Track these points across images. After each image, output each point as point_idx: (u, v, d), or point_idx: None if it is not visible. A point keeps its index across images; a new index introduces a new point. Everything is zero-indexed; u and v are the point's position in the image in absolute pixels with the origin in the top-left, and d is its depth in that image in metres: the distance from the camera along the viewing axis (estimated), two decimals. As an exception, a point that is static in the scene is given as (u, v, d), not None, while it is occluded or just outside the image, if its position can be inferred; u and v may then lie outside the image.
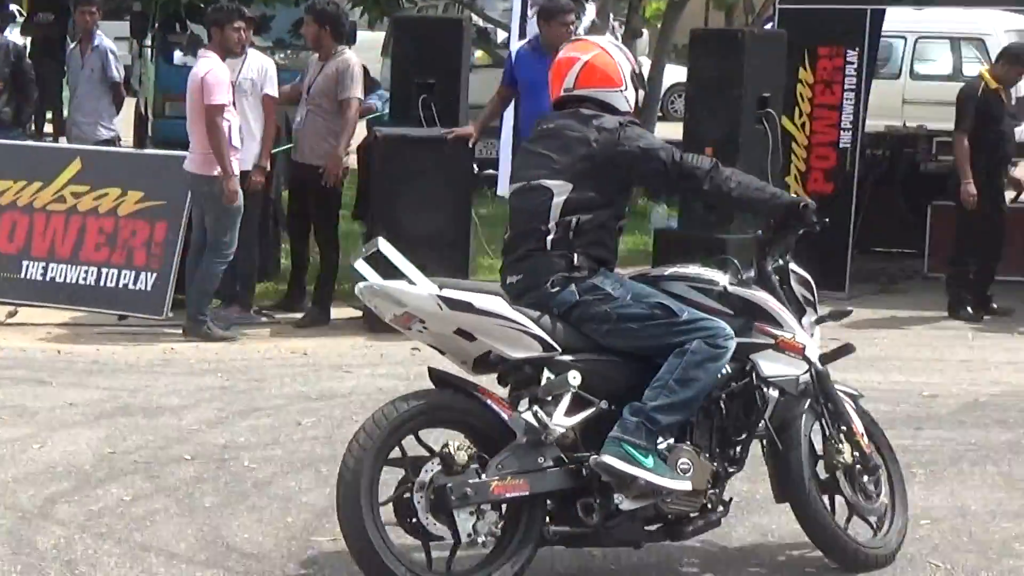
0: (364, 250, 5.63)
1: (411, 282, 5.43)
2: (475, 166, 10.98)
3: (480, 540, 5.37)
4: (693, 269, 5.97)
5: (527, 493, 5.41)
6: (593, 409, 5.53)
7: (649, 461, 5.47)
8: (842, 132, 12.36)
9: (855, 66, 12.26)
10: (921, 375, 9.50)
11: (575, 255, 5.66)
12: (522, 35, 12.41)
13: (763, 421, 5.84)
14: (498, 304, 5.51)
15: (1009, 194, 12.59)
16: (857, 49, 12.25)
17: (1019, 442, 7.84)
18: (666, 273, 5.96)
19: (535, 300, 5.63)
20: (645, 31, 18.56)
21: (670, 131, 19.38)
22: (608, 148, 5.70)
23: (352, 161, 11.33)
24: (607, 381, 5.61)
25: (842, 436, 6.02)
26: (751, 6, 31.19)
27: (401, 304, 5.41)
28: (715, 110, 11.23)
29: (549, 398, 5.47)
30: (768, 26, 14.02)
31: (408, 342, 9.75)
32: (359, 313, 10.58)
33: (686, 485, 5.57)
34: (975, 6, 17.03)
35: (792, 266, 6.11)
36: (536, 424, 5.41)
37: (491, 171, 12.35)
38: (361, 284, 5.51)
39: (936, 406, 8.66)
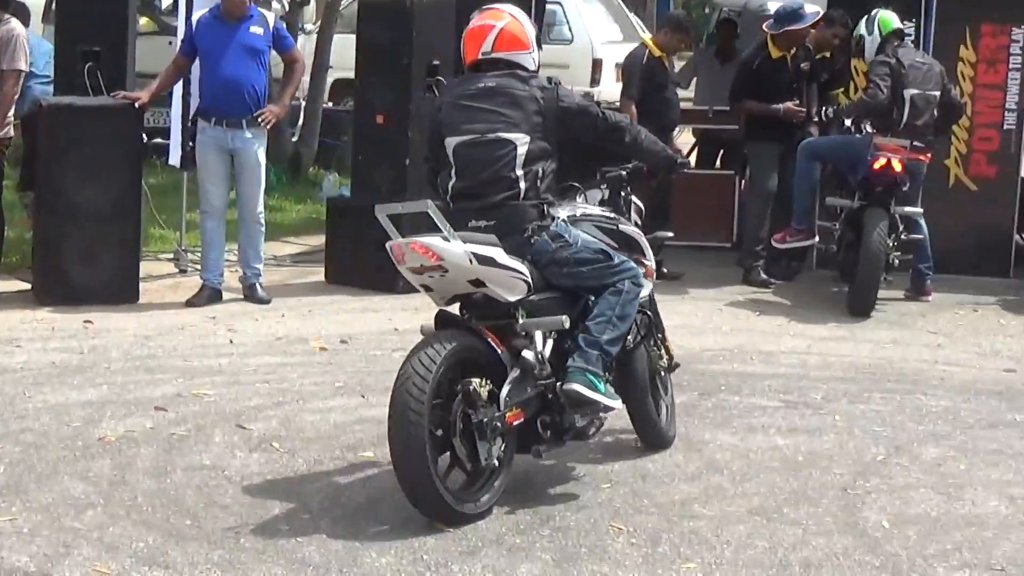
0: (401, 208, 6.31)
1: (445, 239, 6.03)
2: (144, 135, 10.69)
3: (494, 463, 6.13)
4: (596, 210, 6.84)
5: (524, 420, 6.24)
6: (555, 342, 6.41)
7: (603, 387, 6.34)
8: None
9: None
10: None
11: (545, 205, 6.45)
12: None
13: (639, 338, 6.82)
14: (512, 259, 6.23)
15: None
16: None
17: (695, 405, 8.02)
18: (578, 215, 6.71)
19: (512, 245, 6.28)
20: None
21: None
22: (552, 104, 6.49)
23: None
24: (556, 314, 6.38)
25: (661, 343, 7.15)
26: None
27: (436, 256, 6.03)
28: (385, 78, 11.20)
29: (524, 334, 6.30)
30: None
31: (79, 315, 9.56)
32: (27, 286, 10.22)
33: (620, 404, 6.60)
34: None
35: (633, 197, 7.13)
36: (534, 361, 6.23)
37: (160, 140, 12.03)
38: (401, 240, 6.16)
39: (612, 369, 8.81)
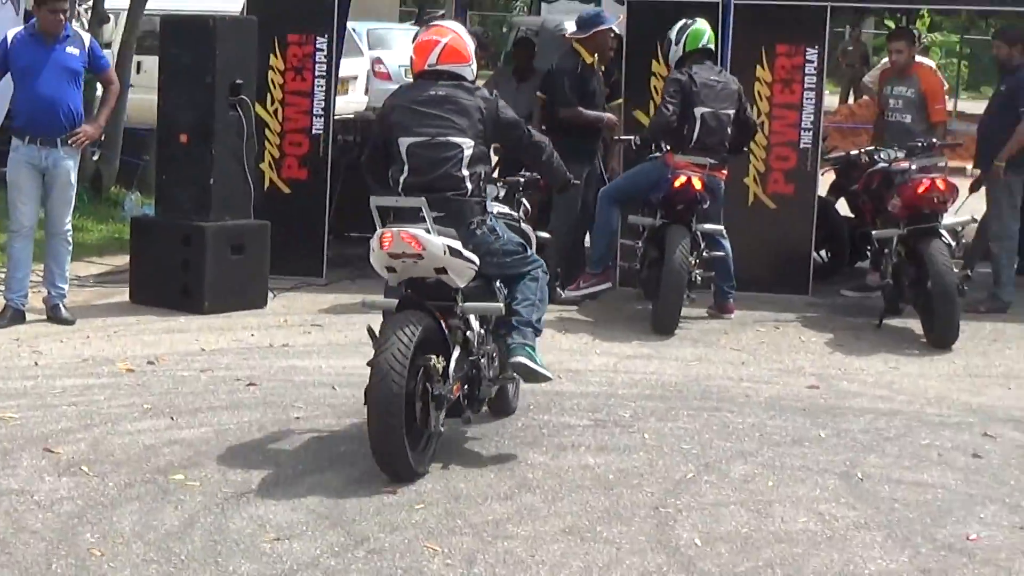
0: (395, 202, 7.28)
1: (428, 231, 7.01)
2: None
3: (440, 429, 7.12)
4: (504, 208, 7.97)
5: (465, 391, 7.33)
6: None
7: (540, 360, 7.54)
8: (314, 118, 12.39)
9: (324, 52, 12.34)
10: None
11: (484, 202, 7.54)
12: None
13: None
14: (468, 251, 7.23)
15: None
16: (326, 36, 12.34)
17: (505, 424, 8.04)
18: (495, 212, 7.74)
19: (460, 235, 7.24)
20: (112, 17, 18.03)
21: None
22: (492, 114, 7.57)
23: None
24: (479, 299, 7.46)
25: None
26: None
27: (421, 246, 6.99)
28: (188, 96, 11.08)
29: (460, 315, 7.32)
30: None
31: None
32: None
33: (552, 376, 7.82)
34: None
35: (523, 200, 8.37)
36: (476, 343, 7.38)
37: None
38: (394, 228, 7.07)
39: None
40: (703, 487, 7.08)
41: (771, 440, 7.94)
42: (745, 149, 11.58)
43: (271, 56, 12.25)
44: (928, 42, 37.30)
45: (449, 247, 7.12)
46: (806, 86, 11.95)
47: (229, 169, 11.04)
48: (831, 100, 24.15)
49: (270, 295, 11.38)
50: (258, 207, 11.48)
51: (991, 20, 19.54)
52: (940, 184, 10.66)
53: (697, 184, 10.66)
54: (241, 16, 12.35)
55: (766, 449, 7.77)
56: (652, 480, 7.14)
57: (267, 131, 12.30)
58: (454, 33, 7.78)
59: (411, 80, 7.89)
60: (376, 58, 26.25)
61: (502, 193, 8.15)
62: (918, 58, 12.69)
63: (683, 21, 11.17)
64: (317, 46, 12.30)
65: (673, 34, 11.15)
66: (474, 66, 7.76)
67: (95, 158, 16.05)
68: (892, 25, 32.00)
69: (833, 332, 10.92)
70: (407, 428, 6.86)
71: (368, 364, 6.97)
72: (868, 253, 12.20)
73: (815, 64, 11.93)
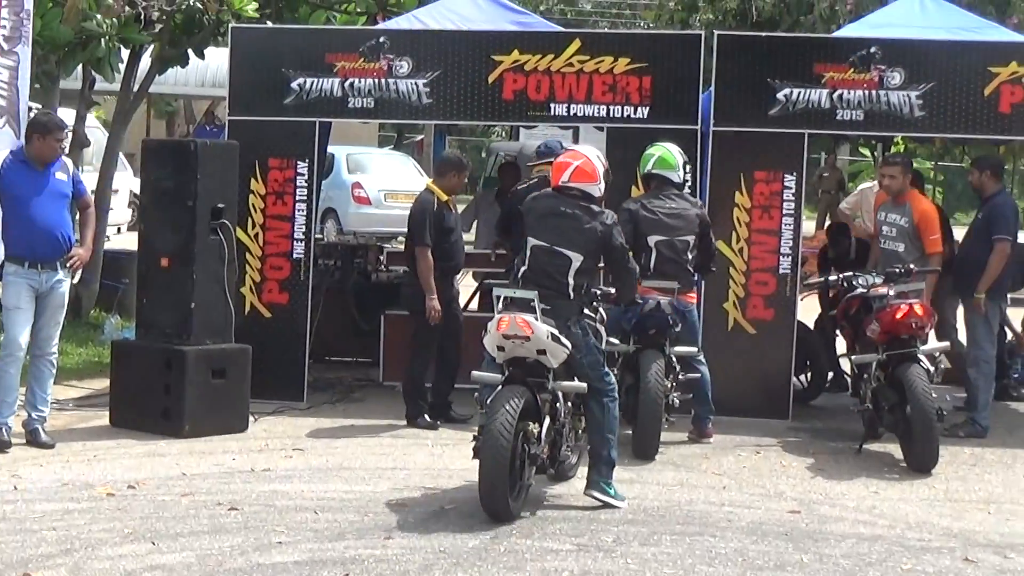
0: (514, 293, 8.92)
1: (536, 319, 8.67)
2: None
3: (531, 482, 8.85)
4: (589, 312, 9.28)
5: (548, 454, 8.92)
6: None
7: (612, 491, 9.10)
8: (295, 242, 12.45)
9: (305, 177, 12.43)
10: (386, 483, 9.61)
11: (583, 307, 9.07)
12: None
13: None
14: (564, 338, 8.78)
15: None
16: (307, 160, 12.44)
17: (486, 548, 8.02)
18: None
19: (557, 326, 8.78)
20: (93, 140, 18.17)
21: (121, 240, 19.14)
22: (606, 238, 9.06)
23: None
24: (563, 379, 9.05)
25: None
26: (192, 115, 31.39)
27: (532, 330, 8.63)
28: (169, 220, 11.15)
29: (549, 390, 8.90)
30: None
31: None
32: None
33: (624, 504, 9.11)
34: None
35: (601, 310, 9.62)
36: (563, 412, 8.98)
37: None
38: (511, 313, 8.72)
39: (405, 513, 8.77)
40: (687, 612, 7.06)
41: (754, 565, 7.92)
42: (714, 269, 11.61)
43: (252, 180, 12.33)
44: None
45: (552, 333, 8.68)
46: (784, 212, 12.06)
47: (210, 293, 11.07)
48: (808, 226, 24.33)
49: (251, 419, 11.37)
50: (239, 331, 11.50)
51: (965, 148, 19.81)
52: (918, 310, 10.75)
53: (667, 308, 10.72)
54: (223, 141, 12.45)
55: (749, 574, 7.76)
56: (636, 606, 7.12)
57: (248, 255, 12.35)
58: (586, 157, 9.22)
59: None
60: (355, 182, 26.43)
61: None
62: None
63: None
64: (298, 171, 12.38)
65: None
66: (601, 185, 9.16)
67: (74, 281, 16.04)
68: (867, 153, 32.43)
69: (814, 457, 10.94)
70: (508, 480, 8.43)
71: (480, 427, 8.55)
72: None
73: (793, 190, 12.06)
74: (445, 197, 11.69)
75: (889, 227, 12.07)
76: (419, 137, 33.42)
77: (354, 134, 28.62)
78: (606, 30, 30.90)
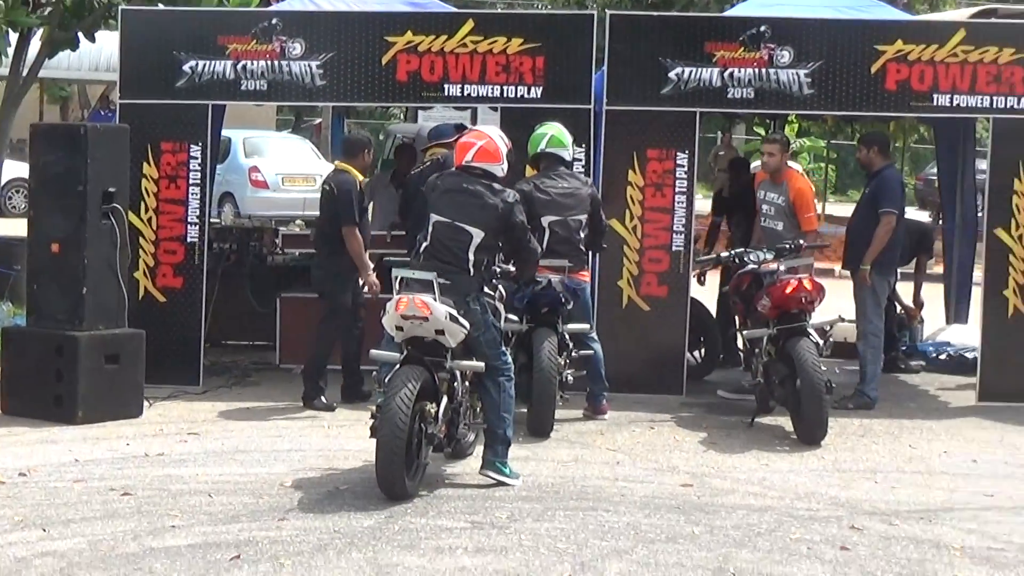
0: (413, 274, 9.02)
1: (435, 299, 8.80)
2: None
3: (427, 461, 8.93)
4: (488, 290, 9.40)
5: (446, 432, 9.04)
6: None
7: (507, 471, 9.20)
8: (189, 226, 12.37)
9: (198, 160, 12.37)
10: (282, 465, 9.62)
11: (482, 284, 9.18)
12: None
13: None
14: (462, 318, 8.89)
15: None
16: (200, 144, 12.38)
17: (381, 528, 8.06)
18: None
19: (456, 301, 8.91)
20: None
21: (10, 227, 18.96)
22: (507, 216, 9.20)
23: None
24: (463, 359, 9.14)
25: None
26: (86, 100, 31.07)
27: (430, 310, 8.74)
28: (60, 205, 11.05)
29: (447, 369, 8.99)
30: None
31: None
32: None
33: (519, 482, 9.21)
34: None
35: (500, 287, 9.77)
36: (460, 391, 9.08)
37: None
38: (409, 294, 8.82)
39: (300, 495, 8.79)
40: (579, 586, 7.14)
41: (646, 538, 8.02)
42: (605, 246, 11.71)
43: (144, 164, 12.25)
44: (798, 147, 38.13)
45: (450, 314, 8.79)
46: (677, 190, 12.17)
47: (102, 278, 11.00)
48: (703, 204, 24.52)
49: (146, 404, 11.32)
50: (133, 316, 11.44)
51: (856, 125, 19.99)
52: (807, 284, 10.90)
53: (558, 286, 10.79)
54: (114, 124, 12.36)
55: (641, 547, 7.85)
56: (528, 580, 7.18)
57: (141, 239, 12.26)
58: (489, 138, 9.42)
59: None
60: (252, 166, 26.28)
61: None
62: (790, 163, 12.99)
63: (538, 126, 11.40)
64: (191, 154, 12.31)
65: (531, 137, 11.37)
66: (504, 165, 9.37)
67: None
68: (763, 132, 32.72)
69: (707, 431, 11.07)
70: (405, 459, 8.50)
71: (377, 406, 8.56)
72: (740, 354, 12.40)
73: (685, 168, 12.17)
74: (360, 177, 11.73)
75: (768, 205, 12.32)
76: (317, 120, 33.27)
77: (252, 118, 28.41)
78: (499, 11, 30.89)
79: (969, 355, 13.56)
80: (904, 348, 14.43)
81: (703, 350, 13.38)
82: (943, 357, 14.29)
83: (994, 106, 12.08)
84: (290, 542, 7.75)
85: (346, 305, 11.63)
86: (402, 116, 35.40)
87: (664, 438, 10.83)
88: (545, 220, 11.04)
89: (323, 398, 11.57)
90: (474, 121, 16.30)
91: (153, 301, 12.31)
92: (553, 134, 11.26)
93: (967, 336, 14.26)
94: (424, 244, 9.22)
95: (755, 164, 16.60)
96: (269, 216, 19.00)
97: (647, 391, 12.02)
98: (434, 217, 9.23)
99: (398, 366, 8.84)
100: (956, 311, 14.91)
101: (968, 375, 13.01)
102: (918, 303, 14.41)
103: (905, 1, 26.39)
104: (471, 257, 9.11)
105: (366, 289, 11.60)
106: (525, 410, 10.80)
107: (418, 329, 8.86)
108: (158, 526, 8.03)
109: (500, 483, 9.09)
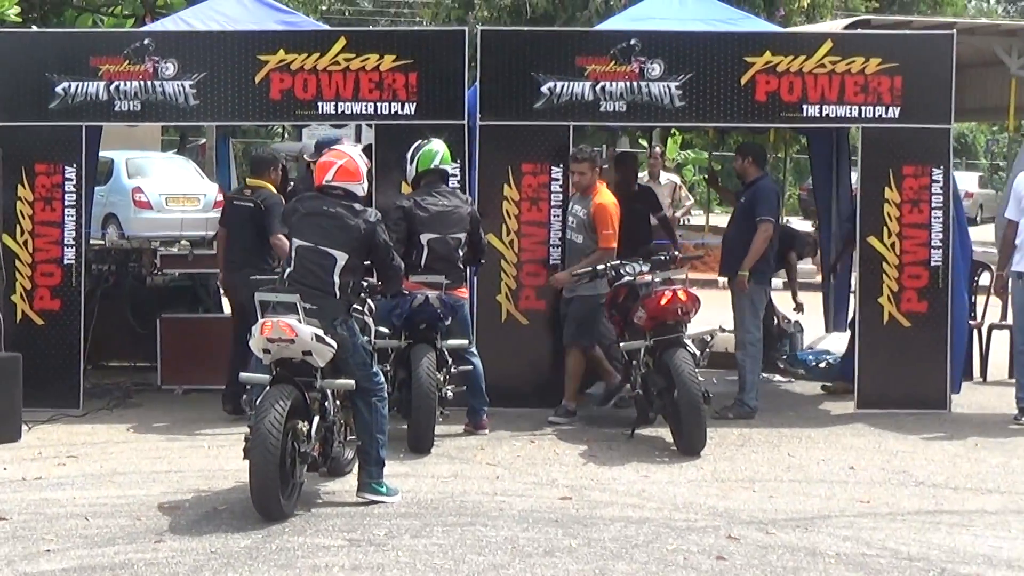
0: (275, 297, 9.02)
1: (300, 321, 8.79)
2: None
3: (303, 480, 8.87)
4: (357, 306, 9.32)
5: (320, 450, 9.04)
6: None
7: (384, 489, 9.20)
8: (65, 248, 12.23)
9: (73, 182, 12.24)
10: (160, 486, 9.56)
11: (349, 306, 9.10)
12: None
13: None
14: (329, 338, 8.87)
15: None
16: (75, 165, 12.25)
17: (258, 548, 8.04)
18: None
19: (323, 325, 8.88)
20: None
21: None
22: (370, 236, 9.16)
23: None
24: (333, 377, 9.13)
25: None
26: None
27: (295, 333, 8.72)
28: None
29: (318, 389, 8.98)
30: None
31: None
32: None
33: (396, 499, 9.21)
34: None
35: (369, 301, 9.65)
36: (332, 414, 9.08)
37: None
38: (274, 318, 8.81)
39: (177, 516, 8.75)
40: (454, 601, 7.15)
41: (523, 552, 8.06)
42: (483, 261, 11.79)
43: (19, 186, 12.14)
44: (682, 159, 38.44)
45: (316, 335, 8.78)
46: (553, 203, 12.24)
47: (-23, 301, 10.89)
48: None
49: (24, 428, 11.21)
50: (10, 339, 11.32)
51: (737, 136, 20.21)
52: (682, 295, 11.01)
53: (435, 303, 10.81)
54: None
55: (518, 561, 7.88)
56: (404, 597, 7.19)
57: (17, 262, 12.15)
58: (349, 156, 9.35)
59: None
60: (136, 187, 26.07)
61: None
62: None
63: (419, 141, 11.41)
64: (66, 175, 12.21)
65: (408, 153, 11.37)
66: (364, 184, 9.35)
67: None
68: (645, 144, 32.96)
69: (587, 443, 11.13)
70: (280, 479, 8.48)
71: (248, 427, 8.57)
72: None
73: (560, 181, 12.24)
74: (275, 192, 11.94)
75: (572, 218, 12.15)
76: (202, 140, 33.04)
77: (137, 139, 28.22)
78: (370, 28, 30.91)
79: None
80: (784, 356, 14.60)
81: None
82: (823, 365, 14.47)
83: (863, 116, 12.31)
84: (166, 564, 7.71)
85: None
86: (289, 135, 35.27)
87: (544, 452, 10.89)
88: (424, 237, 11.08)
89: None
90: (358, 138, 16.29)
91: (31, 324, 12.18)
92: (444, 152, 11.35)
93: (846, 345, 14.45)
94: (288, 270, 9.20)
95: (641, 174, 16.74)
96: (154, 236, 18.91)
97: (529, 405, 12.07)
98: (296, 242, 9.19)
99: (268, 387, 8.82)
100: (835, 319, 15.13)
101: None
102: (798, 304, 14.55)
103: (783, 13, 26.72)
104: (336, 280, 9.07)
105: None
106: (405, 426, 10.83)
107: (285, 351, 8.84)
108: (32, 551, 7.96)
109: (379, 503, 9.08)
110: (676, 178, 20.73)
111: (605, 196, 12.03)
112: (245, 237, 11.96)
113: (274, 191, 11.89)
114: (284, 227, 11.35)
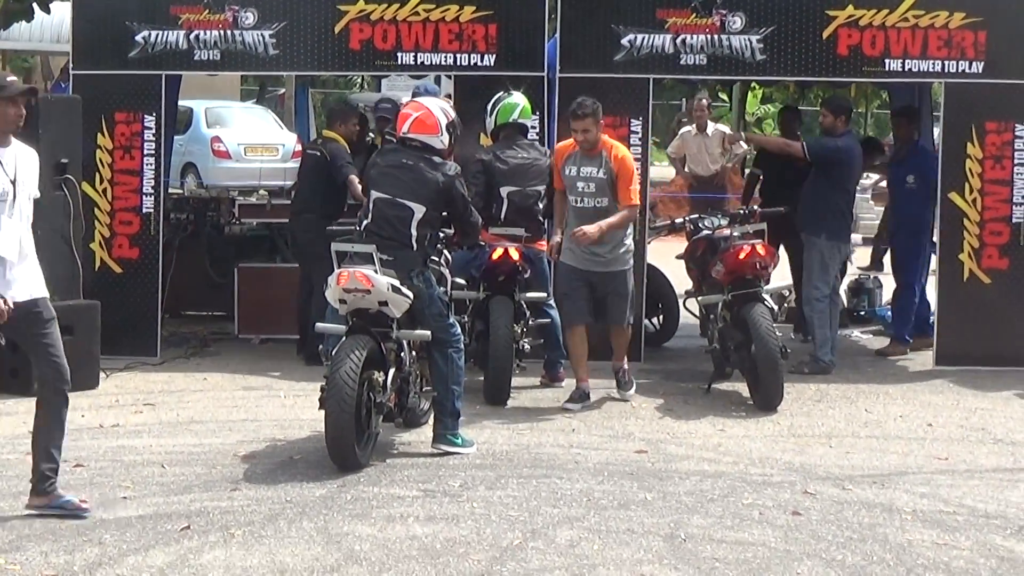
0: (352, 247, 9.01)
1: (376, 272, 8.73)
2: None
3: (379, 430, 8.94)
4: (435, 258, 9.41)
5: (395, 402, 9.02)
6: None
7: (459, 441, 9.21)
8: (144, 197, 12.34)
9: (152, 131, 12.33)
10: (236, 435, 9.62)
11: (426, 258, 9.12)
12: None
13: None
14: (406, 288, 8.82)
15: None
16: (154, 114, 12.34)
17: (333, 496, 8.06)
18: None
19: (400, 276, 8.84)
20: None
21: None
22: (448, 190, 9.12)
23: None
24: (411, 327, 9.12)
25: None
26: (49, 72, 30.90)
27: (371, 283, 8.67)
28: (12, 177, 10.98)
29: (395, 339, 8.97)
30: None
31: None
32: None
33: (473, 450, 9.22)
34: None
35: (446, 252, 9.72)
36: (407, 360, 9.07)
37: None
38: (346, 268, 8.78)
39: (253, 465, 8.79)
40: (529, 553, 7.14)
41: (598, 505, 8.04)
42: None
43: (99, 135, 12.21)
44: (761, 113, 38.15)
45: (392, 285, 8.74)
46: (633, 156, 12.14)
47: (56, 249, 10.95)
48: (664, 171, 24.56)
49: (102, 375, 11.30)
50: (89, 287, 11.41)
51: (817, 90, 20.03)
52: (760, 250, 10.92)
53: (515, 255, 10.77)
54: (66, 95, 12.30)
55: (593, 514, 7.87)
56: (479, 548, 7.19)
57: (96, 210, 12.25)
58: (427, 109, 9.27)
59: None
60: (215, 136, 26.17)
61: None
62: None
63: (499, 94, 11.36)
64: (145, 124, 12.27)
65: (488, 105, 11.32)
66: (444, 137, 9.20)
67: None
68: (726, 98, 32.72)
69: (663, 398, 11.10)
70: (356, 429, 8.51)
71: (324, 377, 8.57)
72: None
73: (640, 135, 12.17)
74: (344, 143, 12.10)
75: (583, 182, 10.75)
76: (281, 90, 33.12)
77: (216, 88, 28.30)
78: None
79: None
80: (862, 312, 14.49)
81: (661, 317, 13.40)
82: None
83: (946, 71, 12.15)
84: (241, 512, 7.75)
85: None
86: (367, 85, 35.26)
87: (620, 405, 10.86)
88: (504, 190, 11.05)
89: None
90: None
91: (109, 272, 12.28)
92: (524, 105, 11.33)
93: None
94: (366, 222, 9.20)
95: (683, 130, 16.57)
96: (232, 186, 18.98)
97: (606, 358, 12.01)
98: (374, 194, 9.17)
99: (344, 338, 8.84)
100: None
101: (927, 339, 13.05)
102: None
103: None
104: (414, 232, 9.06)
105: None
106: (482, 378, 10.83)
107: (361, 301, 8.82)
108: (109, 497, 8.03)
109: (455, 455, 9.08)
110: (725, 128, 20.58)
111: (621, 148, 10.91)
112: (308, 185, 12.17)
113: (342, 142, 11.93)
114: (353, 168, 11.51)
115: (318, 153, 12.12)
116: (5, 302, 7.39)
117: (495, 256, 10.71)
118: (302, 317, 11.96)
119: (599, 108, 10.72)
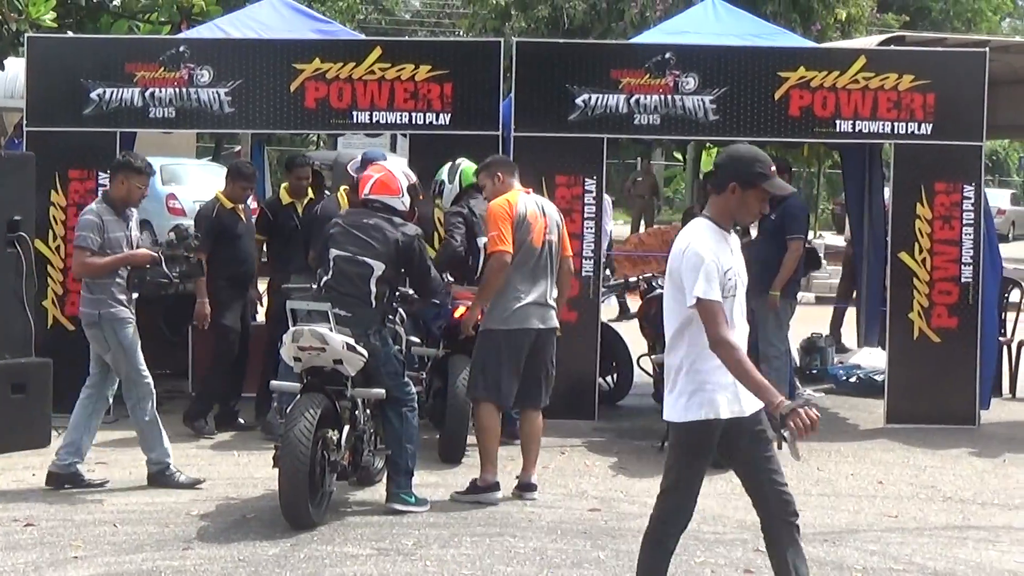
0: (307, 306, 9.10)
1: (331, 330, 8.80)
2: None
3: (333, 488, 8.90)
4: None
5: (349, 461, 9.05)
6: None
7: (413, 500, 9.19)
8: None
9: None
10: (189, 493, 9.58)
11: (384, 316, 9.19)
12: None
13: None
14: (360, 347, 8.88)
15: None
16: (109, 171, 12.26)
17: (286, 556, 8.07)
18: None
19: (356, 334, 8.91)
20: None
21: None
22: (407, 249, 9.21)
23: None
24: (365, 386, 9.14)
25: None
26: (2, 127, 30.80)
27: (325, 343, 8.75)
28: (-41, 236, 10.97)
29: (349, 397, 8.99)
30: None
31: None
32: None
33: (425, 508, 9.22)
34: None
35: (400, 311, 9.82)
36: (361, 418, 9.12)
37: None
38: (302, 327, 8.83)
39: (206, 523, 8.78)
40: (481, 612, 7.15)
41: (552, 563, 8.06)
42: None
43: (52, 192, 12.20)
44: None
45: (347, 343, 8.81)
46: (585, 215, 12.25)
47: (7, 307, 10.95)
48: (621, 229, 24.69)
49: (54, 434, 11.23)
50: (41, 345, 11.36)
51: (770, 149, 20.18)
52: None
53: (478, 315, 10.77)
54: (19, 152, 12.29)
55: (546, 572, 7.89)
56: (431, 607, 7.20)
57: (50, 268, 12.22)
58: (388, 171, 9.49)
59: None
60: (169, 193, 26.11)
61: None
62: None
63: (450, 163, 11.34)
64: (99, 182, 12.24)
65: (445, 175, 11.29)
66: (405, 199, 9.36)
67: None
68: (680, 157, 32.99)
69: (617, 456, 11.13)
70: (309, 487, 8.51)
71: (280, 436, 8.72)
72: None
73: (593, 193, 12.26)
74: (229, 204, 11.90)
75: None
76: (237, 148, 33.09)
77: (172, 146, 28.27)
78: (406, 38, 30.95)
79: (878, 378, 13.69)
80: (814, 371, 14.57)
81: (615, 375, 13.43)
82: (852, 380, 14.44)
83: (895, 132, 12.30)
84: (193, 572, 7.73)
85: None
86: (323, 143, 35.31)
87: (574, 463, 10.88)
88: (481, 240, 11.03)
89: (205, 420, 11.85)
90: (393, 148, 16.34)
91: (62, 330, 12.23)
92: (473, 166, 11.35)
93: (877, 359, 14.40)
94: (325, 278, 9.24)
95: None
96: (185, 244, 18.85)
97: (559, 416, 12.01)
98: (334, 252, 9.22)
99: (298, 396, 8.89)
100: (867, 334, 15.08)
101: (877, 398, 13.13)
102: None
103: (819, 28, 26.68)
104: (373, 289, 9.13)
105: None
106: (438, 436, 10.83)
107: (316, 360, 8.89)
108: (60, 557, 7.99)
109: (408, 513, 9.10)
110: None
111: (496, 199, 10.08)
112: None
113: (226, 203, 12.09)
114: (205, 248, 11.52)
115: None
116: None
117: (457, 314, 10.72)
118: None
119: (491, 163, 10.34)
